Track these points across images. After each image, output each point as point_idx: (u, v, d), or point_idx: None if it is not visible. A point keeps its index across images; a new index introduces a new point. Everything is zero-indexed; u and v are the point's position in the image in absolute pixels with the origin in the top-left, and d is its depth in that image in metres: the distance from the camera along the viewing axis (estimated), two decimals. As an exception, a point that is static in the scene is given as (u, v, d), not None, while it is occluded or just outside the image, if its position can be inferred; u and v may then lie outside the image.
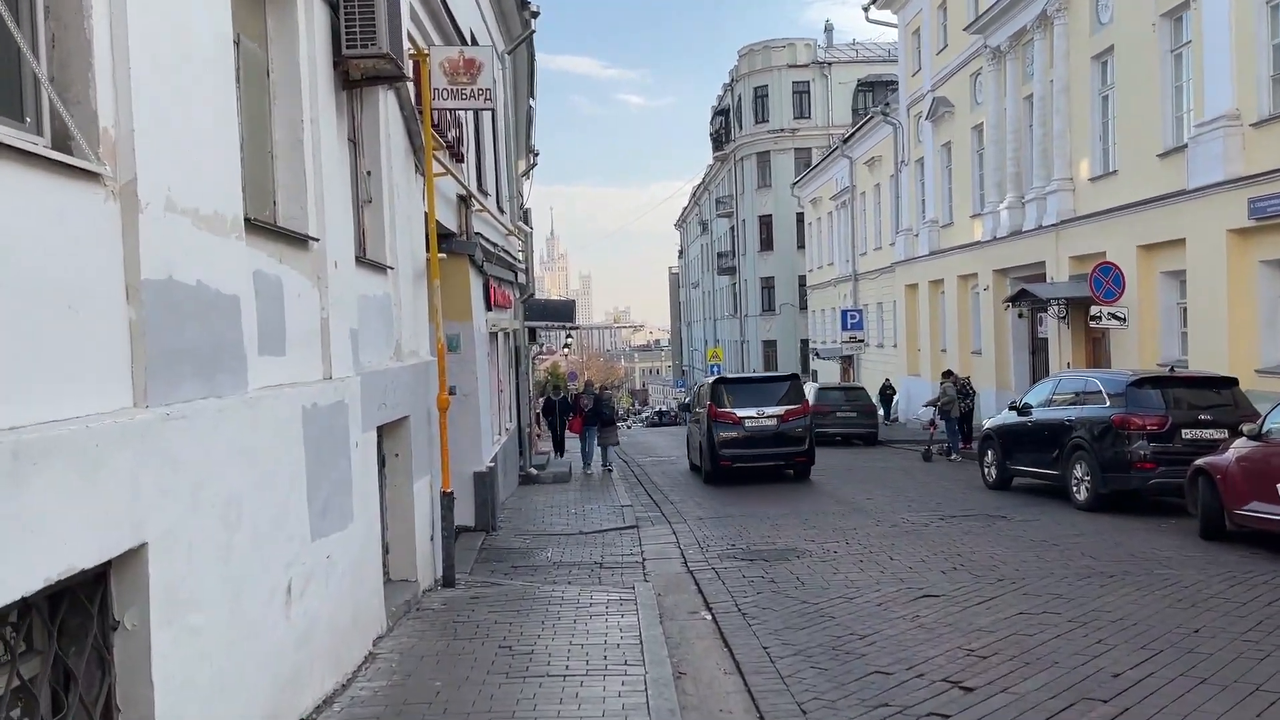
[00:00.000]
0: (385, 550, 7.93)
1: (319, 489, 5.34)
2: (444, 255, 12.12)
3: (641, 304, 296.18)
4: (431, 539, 8.67)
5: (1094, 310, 17.52)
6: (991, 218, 27.20)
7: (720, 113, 69.78)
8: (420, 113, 8.79)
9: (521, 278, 17.90)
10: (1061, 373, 14.74)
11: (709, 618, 7.87)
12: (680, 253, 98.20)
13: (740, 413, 17.40)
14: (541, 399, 27.14)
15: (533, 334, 26.35)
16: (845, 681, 5.90)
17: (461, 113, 12.25)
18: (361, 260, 7.24)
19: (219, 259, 4.21)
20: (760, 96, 62.07)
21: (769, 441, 17.31)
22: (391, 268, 7.95)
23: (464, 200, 12.39)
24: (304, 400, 5.21)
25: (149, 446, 3.44)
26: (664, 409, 71.85)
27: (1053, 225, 23.10)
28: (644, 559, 10.69)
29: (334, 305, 5.95)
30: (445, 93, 9.11)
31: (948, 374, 22.14)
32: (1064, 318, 22.75)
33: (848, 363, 45.12)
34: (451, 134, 10.96)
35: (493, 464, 13.03)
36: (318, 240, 5.72)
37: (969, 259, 29.34)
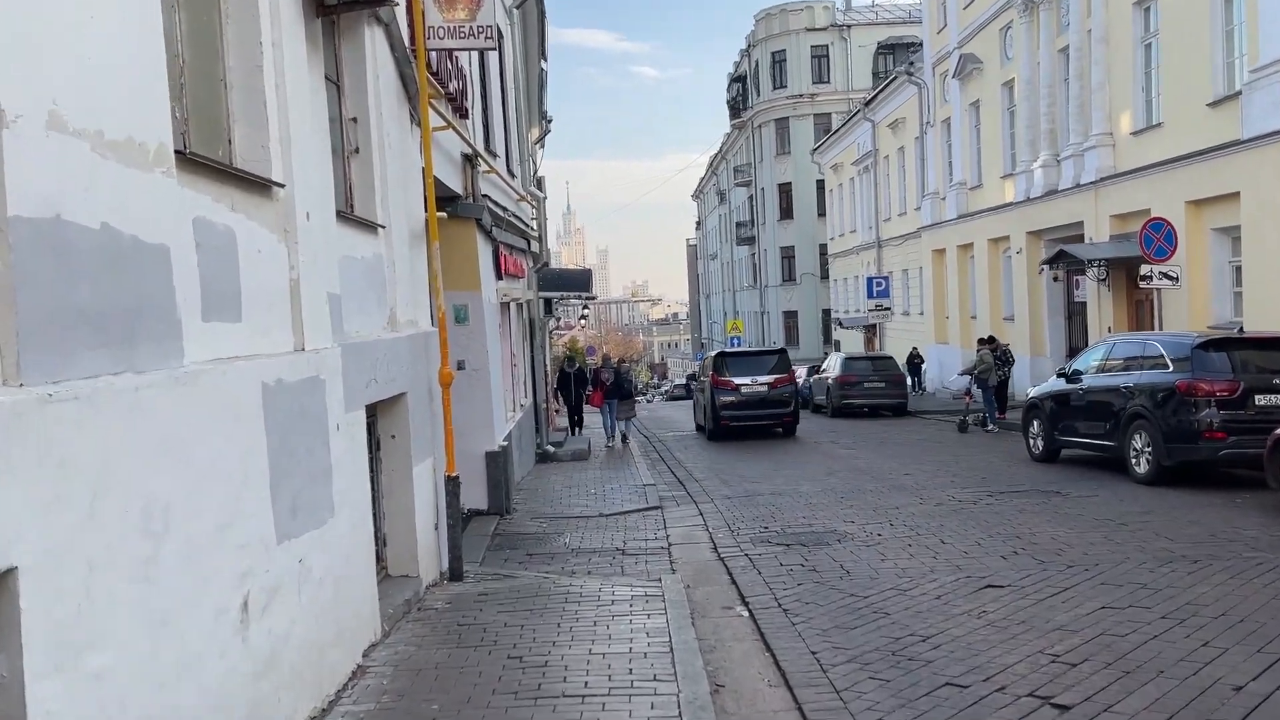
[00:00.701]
0: (383, 544, 7.10)
1: (286, 482, 4.49)
2: (447, 218, 11.26)
3: (659, 277, 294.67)
4: (436, 528, 7.83)
5: (1144, 269, 16.44)
6: (1024, 177, 26.03)
7: (737, 79, 68.32)
8: (414, 54, 7.87)
9: (535, 246, 16.99)
10: (1115, 336, 13.73)
11: (745, 614, 7.00)
12: (698, 224, 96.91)
13: (737, 380, 20.71)
14: (557, 373, 26.15)
15: (549, 306, 25.44)
16: (913, 697, 5.02)
17: (465, 64, 11.32)
18: (346, 216, 6.35)
19: (137, 198, 3.33)
20: (778, 61, 60.62)
21: (760, 404, 20.64)
22: (383, 226, 7.06)
23: (469, 160, 11.47)
24: (264, 375, 4.34)
25: (18, 439, 2.58)
26: (685, 382, 70.93)
27: (1091, 183, 21.94)
28: (670, 544, 9.83)
29: (307, 264, 5.06)
30: (441, 31, 8.17)
31: (986, 340, 21.10)
32: (1104, 280, 21.65)
33: (872, 332, 44.01)
34: (453, 85, 10.03)
35: (506, 443, 12.20)
36: (283, 186, 4.83)
37: (1000, 221, 28.19)
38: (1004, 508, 10.53)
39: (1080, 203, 22.64)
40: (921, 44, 37.39)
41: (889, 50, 57.03)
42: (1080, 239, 22.36)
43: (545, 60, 23.63)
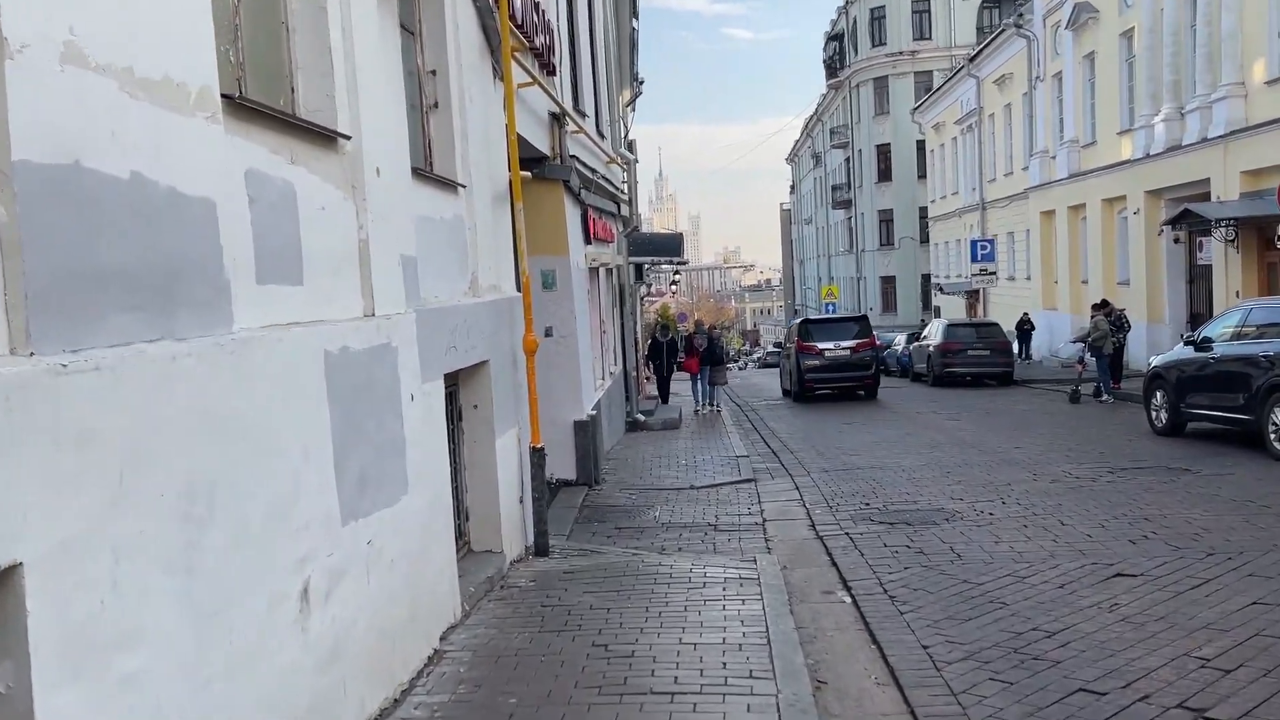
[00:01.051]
0: (464, 518, 6.80)
1: (353, 457, 4.16)
2: (533, 179, 10.91)
3: (752, 243, 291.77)
4: (520, 501, 7.52)
5: (1284, 229, 15.18)
6: (1144, 133, 24.49)
7: (834, 38, 66.43)
8: (496, 3, 7.46)
9: (624, 210, 16.56)
10: (1251, 301, 12.65)
11: (848, 600, 6.51)
12: (792, 188, 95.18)
13: (821, 345, 22.20)
14: (648, 341, 25.62)
15: (639, 271, 25.02)
16: (1043, 705, 4.48)
17: (552, 18, 10.88)
18: (424, 174, 6.00)
19: (175, 145, 2.99)
20: (877, 18, 58.69)
21: (843, 368, 22.07)
22: (464, 185, 6.70)
23: (556, 119, 11.06)
24: (327, 343, 4.00)
25: (23, 415, 2.25)
26: (774, 349, 69.94)
27: (1220, 137, 20.45)
28: (764, 520, 9.36)
29: (378, 224, 4.72)
30: (524, -23, 7.74)
31: (1101, 305, 19.91)
32: (1233, 241, 20.22)
33: (974, 298, 42.44)
34: (540, 39, 9.59)
35: (595, 411, 11.86)
36: (350, 139, 4.48)
37: (1116, 180, 26.64)
38: (1127, 486, 9.76)
39: (1207, 159, 21.14)
40: (1025, 0, 35.56)
41: (994, 4, 54.55)
42: (1206, 198, 20.88)
43: (636, 19, 23.08)
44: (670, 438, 15.77)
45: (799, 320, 26.12)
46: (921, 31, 57.28)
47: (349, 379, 4.16)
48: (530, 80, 9.04)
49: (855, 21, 60.09)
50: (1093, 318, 19.61)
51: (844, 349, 22.10)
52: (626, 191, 16.60)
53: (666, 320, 66.16)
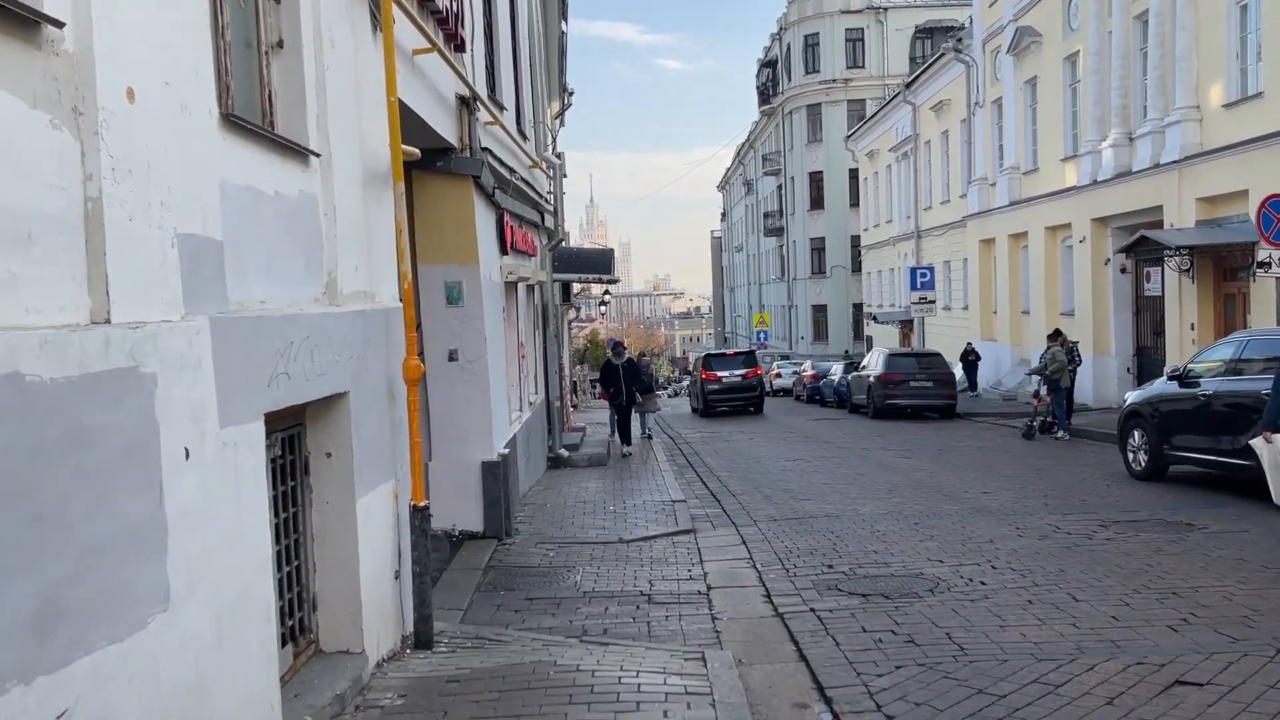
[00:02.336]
0: (309, 608, 4.99)
1: (28, 568, 2.38)
2: (437, 173, 9.19)
3: (682, 271, 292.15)
4: (397, 577, 5.72)
5: (1262, 254, 14.16)
6: (1090, 159, 23.67)
7: (767, 64, 65.98)
8: (374, -72, 5.75)
9: (549, 221, 14.87)
10: (1247, 333, 11.46)
11: (828, 719, 4.86)
12: (723, 215, 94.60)
13: (719, 373, 28.76)
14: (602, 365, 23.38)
15: (567, 291, 23.30)
16: None
17: (461, -15, 9.19)
18: (247, 127, 4.22)
19: None
20: (811, 45, 58.29)
21: (736, 390, 28.50)
22: (318, 155, 4.94)
23: (466, 104, 9.36)
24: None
25: None
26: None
27: (1174, 163, 19.58)
28: (709, 586, 7.70)
29: (128, 177, 2.96)
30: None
31: (1056, 335, 18.74)
32: (1188, 270, 19.30)
33: (908, 328, 41.64)
34: (443, 1, 7.90)
35: (508, 450, 10.09)
36: (61, 26, 2.71)
37: (1060, 208, 25.83)
38: (1131, 545, 8.31)
39: (1159, 185, 20.28)
40: (962, 28, 35.00)
41: (927, 34, 54.62)
42: (1158, 225, 19.96)
43: (565, 22, 21.51)
44: (597, 476, 14.03)
45: (703, 354, 34.51)
46: (855, 60, 57.01)
47: (22, 431, 2.38)
48: (429, 46, 7.34)
49: (789, 48, 59.63)
50: (1049, 348, 18.44)
51: (737, 376, 28.66)
52: (552, 201, 14.91)
53: (597, 347, 64.16)
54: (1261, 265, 14.17)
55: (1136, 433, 12.11)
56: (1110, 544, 8.40)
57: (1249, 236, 17.26)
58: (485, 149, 9.82)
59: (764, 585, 7.63)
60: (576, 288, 43.16)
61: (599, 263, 15.57)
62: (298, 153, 4.76)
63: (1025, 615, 6.36)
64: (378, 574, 5.39)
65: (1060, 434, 17.50)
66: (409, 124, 7.66)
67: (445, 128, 8.84)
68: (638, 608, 7.09)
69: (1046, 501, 10.71)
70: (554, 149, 21.46)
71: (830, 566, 8.09)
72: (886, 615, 6.53)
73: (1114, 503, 10.52)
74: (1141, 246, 19.68)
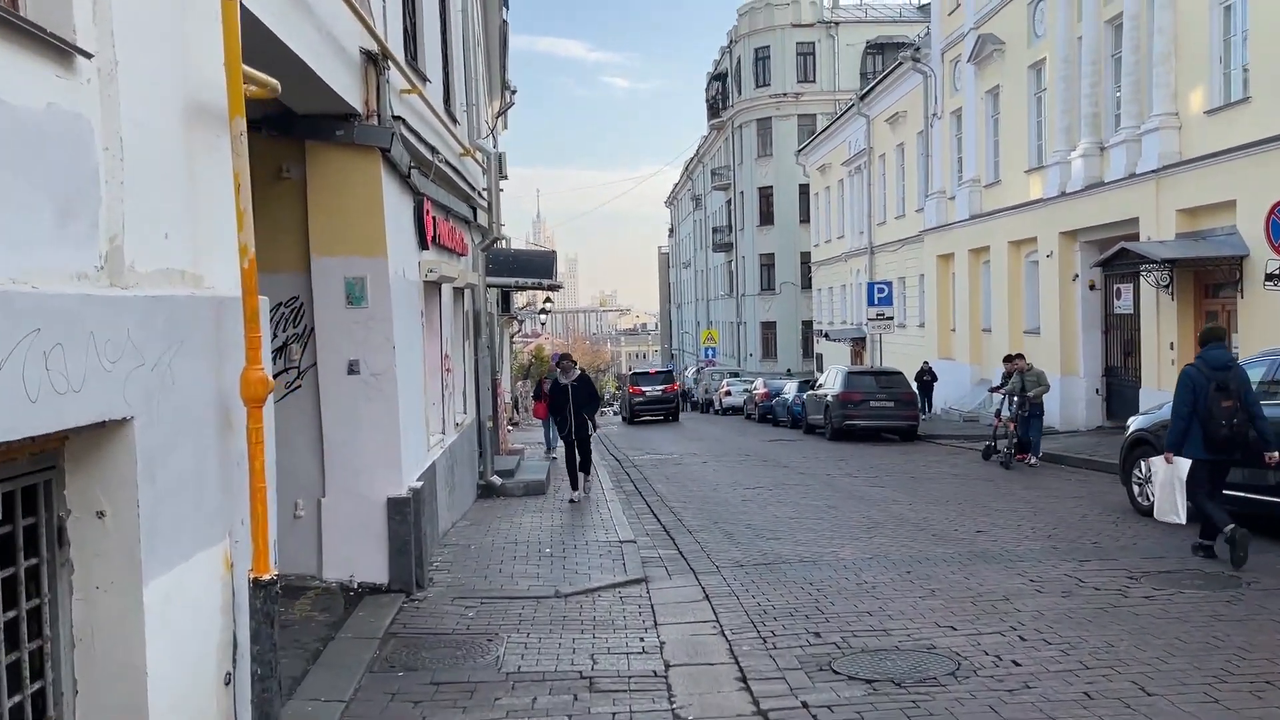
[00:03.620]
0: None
1: None
2: (335, 144, 7.50)
3: (629, 287, 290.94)
4: (227, 682, 3.98)
5: (1273, 266, 12.92)
6: (1058, 170, 22.60)
7: (717, 78, 64.97)
8: None
9: (484, 219, 13.16)
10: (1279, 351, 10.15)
11: None
12: (670, 231, 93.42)
13: (643, 388, 35.79)
14: (543, 380, 21.11)
15: (507, 301, 21.55)
16: None
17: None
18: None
19: None
20: (761, 58, 57.39)
21: (656, 402, 35.24)
22: (90, 55, 3.22)
23: (374, 61, 7.68)
24: None
25: None
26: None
27: (1151, 172, 18.49)
28: (666, 664, 6.04)
29: None
30: None
31: (1017, 358, 17.34)
32: (1167, 286, 18.18)
33: (860, 345, 40.58)
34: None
35: (422, 482, 8.35)
36: None
37: (1024, 221, 24.75)
38: (1180, 607, 6.83)
39: (1135, 196, 19.18)
40: (912, 44, 34.07)
41: (878, 50, 54.00)
42: (1132, 238, 18.80)
43: (506, 9, 19.88)
44: (534, 508, 12.29)
45: (631, 372, 45.46)
46: (806, 74, 56.22)
47: None
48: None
49: (739, 61, 58.66)
50: (1008, 370, 17.09)
51: (658, 390, 35.83)
52: (487, 197, 13.21)
53: (541, 363, 62.21)
54: (1271, 278, 12.94)
55: (1144, 463, 10.71)
56: (1152, 604, 6.91)
57: (1237, 250, 16.18)
58: (398, 118, 8.11)
59: (737, 663, 5.99)
60: (521, 300, 41.43)
61: (540, 266, 13.81)
62: (53, 48, 3.04)
63: (1088, 718, 4.80)
64: (190, 684, 3.64)
65: (1033, 461, 16.12)
66: (294, 74, 5.99)
67: (346, 87, 7.15)
68: (575, 699, 5.41)
69: (1053, 544, 9.23)
70: (494, 144, 19.76)
71: (818, 635, 6.48)
72: (904, 715, 4.93)
73: (1131, 546, 9.08)
74: (1118, 261, 18.52)
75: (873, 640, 6.31)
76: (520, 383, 43.05)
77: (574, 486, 12.95)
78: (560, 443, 14.75)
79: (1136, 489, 10.84)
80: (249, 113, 7.87)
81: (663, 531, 10.87)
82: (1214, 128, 17.02)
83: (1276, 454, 8.16)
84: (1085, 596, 7.17)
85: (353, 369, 7.77)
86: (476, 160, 13.00)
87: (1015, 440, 16.33)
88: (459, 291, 12.04)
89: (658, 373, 39.20)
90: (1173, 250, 16.97)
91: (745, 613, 7.14)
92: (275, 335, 7.86)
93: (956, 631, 6.40)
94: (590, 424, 13.39)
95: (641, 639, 6.59)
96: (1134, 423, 11.27)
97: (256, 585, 4.01)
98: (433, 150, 9.60)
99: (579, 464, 13.13)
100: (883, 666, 5.75)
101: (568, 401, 13.08)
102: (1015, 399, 16.30)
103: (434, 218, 9.83)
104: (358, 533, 7.78)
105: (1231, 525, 7.95)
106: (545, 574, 8.53)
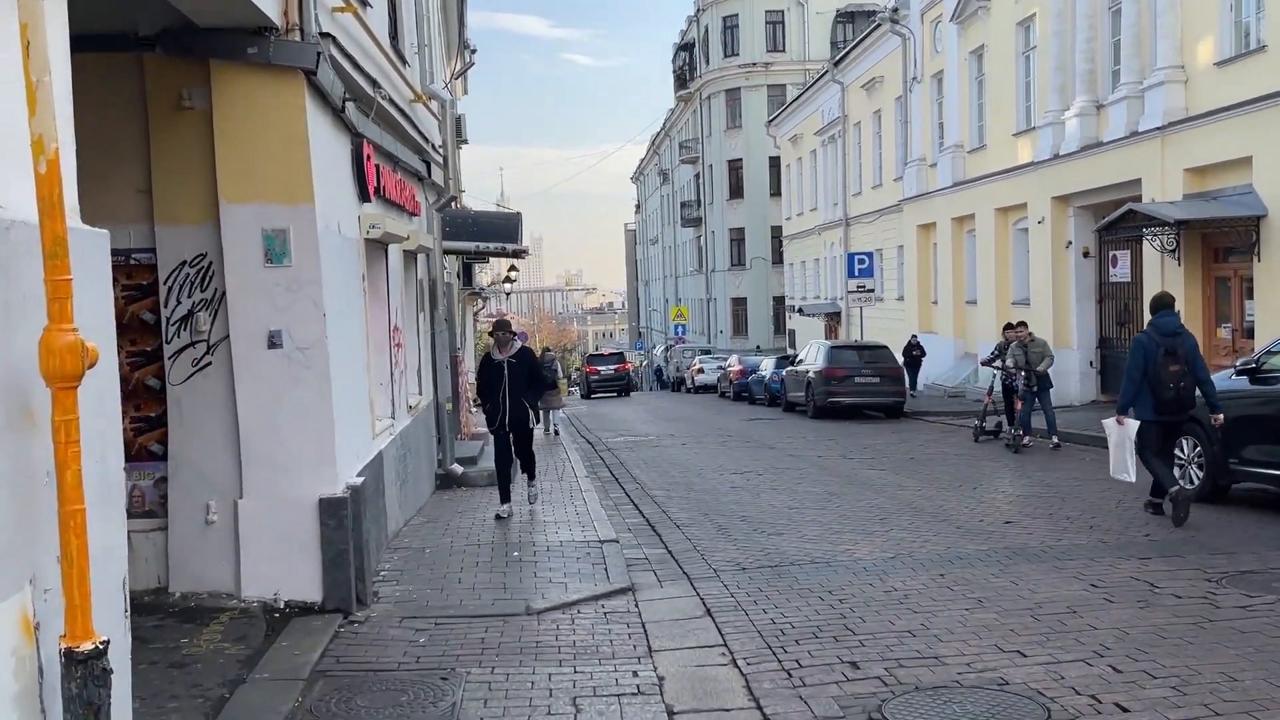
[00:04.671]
0: None
1: None
2: (246, 64, 6.06)
3: (595, 266, 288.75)
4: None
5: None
6: (1050, 132, 21.43)
7: (684, 48, 63.33)
8: None
9: (438, 175, 11.69)
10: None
11: None
12: (637, 208, 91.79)
13: (599, 368, 41.83)
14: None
15: (468, 271, 20.06)
16: None
17: None
18: None
19: None
20: (730, 27, 55.84)
21: (610, 380, 40.56)
22: None
23: (292, -37, 6.21)
24: None
25: None
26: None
27: (1155, 130, 17.35)
28: (670, 712, 4.73)
29: None
30: None
31: (1019, 326, 15.95)
32: (1173, 251, 17.09)
33: (835, 320, 39.45)
34: None
35: (363, 478, 6.96)
36: None
37: (1013, 187, 23.60)
38: (1285, 618, 5.63)
39: (1138, 156, 18.03)
40: (882, 10, 32.69)
41: (848, 19, 52.70)
42: (1134, 201, 17.60)
43: (464, -46, 18.28)
44: (498, 499, 10.89)
45: (588, 355, 52.77)
46: (775, 43, 54.77)
47: None
48: None
49: (707, 30, 57.08)
50: (1009, 342, 15.74)
51: (611, 370, 41.54)
52: (443, 152, 11.73)
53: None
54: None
55: (1186, 442, 9.55)
56: (1255, 617, 5.69)
57: (1254, 210, 15.08)
58: (328, 36, 6.66)
59: (760, 709, 4.69)
60: (486, 279, 39.70)
61: (503, 229, 12.34)
62: None
63: (1255, 796, 3.54)
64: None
65: (1027, 439, 14.69)
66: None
67: (256, -10, 5.69)
68: (556, 769, 4.08)
69: (1100, 538, 8.03)
70: (453, 103, 18.23)
71: (854, 665, 5.19)
72: (1002, 794, 3.65)
73: (1189, 539, 7.88)
74: (1122, 224, 17.37)
75: (925, 672, 5.03)
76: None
77: (503, 498, 9.77)
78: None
79: (1178, 471, 9.65)
80: (140, 28, 6.40)
81: (647, 526, 9.55)
82: (1225, 80, 15.88)
83: (1221, 416, 8.54)
84: (1168, 608, 5.94)
85: (274, 342, 6.34)
86: (430, 110, 11.52)
87: (1004, 418, 15.13)
88: (411, 256, 10.58)
89: (611, 354, 46.77)
90: (1185, 211, 15.82)
91: (758, 633, 5.84)
92: (179, 302, 6.44)
93: (1027, 659, 5.14)
94: (533, 414, 10.06)
95: (635, 673, 5.27)
96: (1172, 396, 10.05)
97: (71, 660, 2.62)
98: (374, 85, 8.13)
99: (518, 465, 10.05)
100: (950, 713, 4.47)
101: (502, 382, 9.58)
102: (1013, 374, 15.04)
103: (378, 165, 8.38)
104: (283, 541, 6.38)
105: (1176, 486, 8.47)
106: (513, 584, 7.18)
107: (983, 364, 16.85)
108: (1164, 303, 9.03)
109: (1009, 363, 15.39)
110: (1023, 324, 16.10)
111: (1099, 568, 6.98)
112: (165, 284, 6.40)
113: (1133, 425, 8.63)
